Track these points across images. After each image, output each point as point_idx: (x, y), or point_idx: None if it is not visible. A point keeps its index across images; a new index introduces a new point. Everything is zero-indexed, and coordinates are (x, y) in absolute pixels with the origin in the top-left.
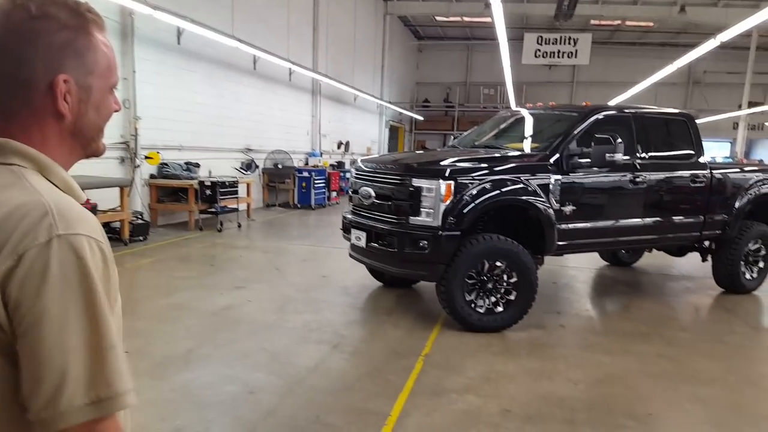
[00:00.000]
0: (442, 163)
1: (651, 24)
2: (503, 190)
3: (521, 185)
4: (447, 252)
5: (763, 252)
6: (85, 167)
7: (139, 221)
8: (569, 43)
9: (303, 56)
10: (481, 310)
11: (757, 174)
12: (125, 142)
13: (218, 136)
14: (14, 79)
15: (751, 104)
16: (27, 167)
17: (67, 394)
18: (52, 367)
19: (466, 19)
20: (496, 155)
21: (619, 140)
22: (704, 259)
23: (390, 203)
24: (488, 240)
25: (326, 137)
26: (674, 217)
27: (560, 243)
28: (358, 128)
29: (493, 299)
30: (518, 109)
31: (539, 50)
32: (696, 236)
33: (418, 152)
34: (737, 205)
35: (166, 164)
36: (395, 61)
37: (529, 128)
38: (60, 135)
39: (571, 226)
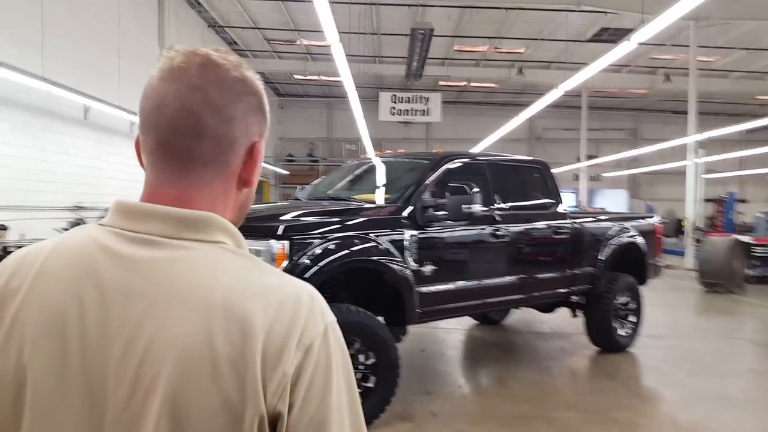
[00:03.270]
0: (274, 219)
1: (494, 85)
2: (352, 249)
3: (371, 243)
4: None
5: (632, 305)
6: None
7: None
8: (421, 102)
9: None
10: None
11: (618, 222)
12: None
13: (37, 193)
14: (223, 139)
15: (588, 157)
16: (229, 244)
17: None
18: None
19: (323, 78)
20: (341, 208)
21: (476, 189)
22: (574, 315)
23: None
24: (336, 313)
25: None
26: (541, 273)
27: (422, 309)
28: None
29: None
30: (368, 157)
31: (394, 108)
32: (566, 292)
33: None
34: (602, 256)
35: None
36: None
37: (380, 177)
38: (234, 206)
39: (432, 288)
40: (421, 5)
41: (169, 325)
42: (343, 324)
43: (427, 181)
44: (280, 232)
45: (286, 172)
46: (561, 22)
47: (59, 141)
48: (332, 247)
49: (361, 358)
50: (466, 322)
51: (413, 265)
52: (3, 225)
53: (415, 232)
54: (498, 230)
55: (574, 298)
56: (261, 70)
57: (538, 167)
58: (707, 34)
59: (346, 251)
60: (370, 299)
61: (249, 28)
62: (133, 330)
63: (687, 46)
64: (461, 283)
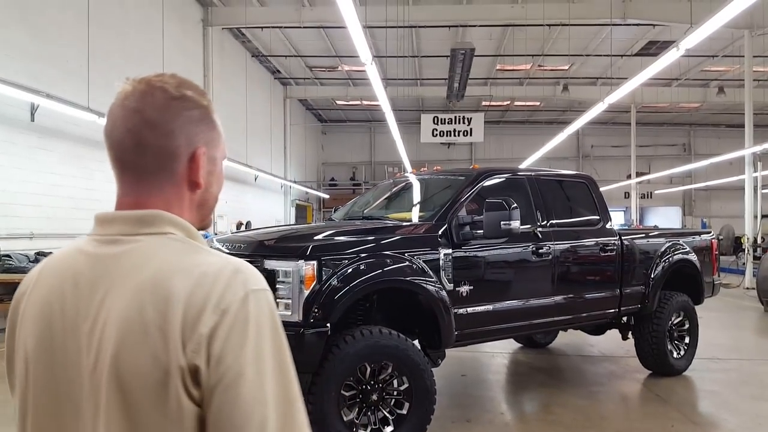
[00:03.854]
0: (303, 239)
1: (538, 103)
2: (384, 269)
3: (404, 263)
4: (312, 355)
5: (687, 325)
6: None
7: None
8: (463, 122)
9: None
10: None
11: (670, 239)
12: None
13: (85, 221)
14: (164, 150)
15: (638, 174)
16: (178, 234)
17: None
18: (252, 422)
19: (365, 102)
20: (373, 227)
21: (514, 205)
22: (625, 337)
23: None
24: (368, 335)
25: (223, 218)
26: (587, 293)
27: (459, 332)
28: (260, 208)
29: (380, 415)
30: (404, 175)
31: (436, 129)
32: (614, 312)
33: (283, 226)
34: (653, 274)
35: (8, 256)
36: (299, 143)
37: (415, 196)
38: (190, 206)
39: (470, 309)
40: (462, 26)
41: (117, 303)
42: (374, 347)
43: (462, 198)
44: (308, 252)
45: (327, 196)
46: (606, 37)
47: (106, 170)
48: (363, 266)
49: (395, 383)
50: (510, 346)
51: (449, 285)
52: (51, 252)
53: (450, 251)
54: (540, 248)
55: (624, 319)
56: (303, 97)
57: (582, 182)
58: (763, 43)
59: (378, 271)
60: (404, 321)
61: (291, 56)
62: (96, 310)
63: (741, 56)
64: (501, 304)
